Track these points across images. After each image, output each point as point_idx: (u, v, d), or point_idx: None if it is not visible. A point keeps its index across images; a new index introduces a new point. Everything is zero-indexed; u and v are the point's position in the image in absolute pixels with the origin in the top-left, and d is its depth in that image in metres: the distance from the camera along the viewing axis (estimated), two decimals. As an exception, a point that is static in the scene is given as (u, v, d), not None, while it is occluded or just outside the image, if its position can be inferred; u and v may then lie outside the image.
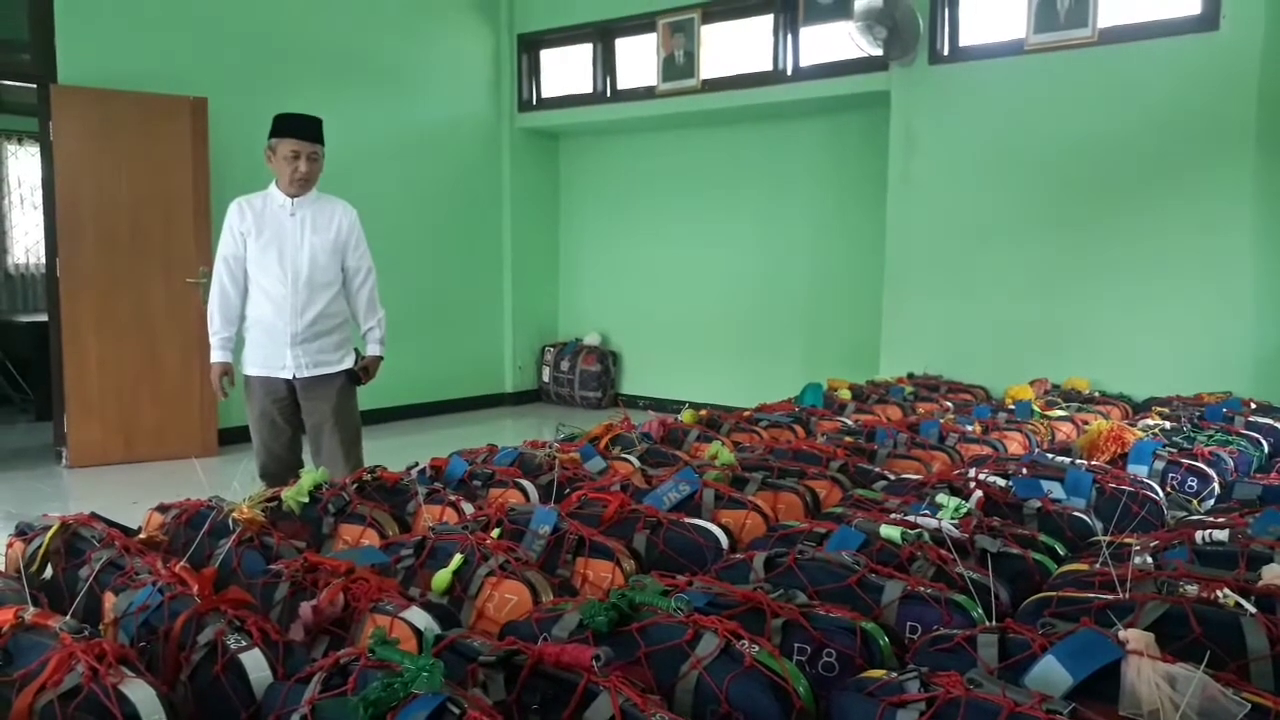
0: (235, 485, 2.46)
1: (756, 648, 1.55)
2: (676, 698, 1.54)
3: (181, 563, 1.86)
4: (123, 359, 5.98)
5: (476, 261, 8.29)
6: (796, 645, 1.69)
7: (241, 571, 2.12)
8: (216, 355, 3.69)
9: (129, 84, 5.88)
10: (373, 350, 3.87)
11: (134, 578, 1.90)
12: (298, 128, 3.59)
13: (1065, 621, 1.66)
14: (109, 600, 1.90)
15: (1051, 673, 1.49)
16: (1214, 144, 5.08)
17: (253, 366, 3.72)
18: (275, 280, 3.62)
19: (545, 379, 8.69)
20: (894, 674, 1.49)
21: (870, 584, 1.92)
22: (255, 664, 1.56)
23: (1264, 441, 3.74)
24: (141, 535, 2.28)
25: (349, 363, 3.80)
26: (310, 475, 2.63)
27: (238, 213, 3.64)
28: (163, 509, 2.53)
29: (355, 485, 2.72)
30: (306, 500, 2.57)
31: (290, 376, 3.69)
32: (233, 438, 6.28)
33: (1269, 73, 4.92)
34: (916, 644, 1.71)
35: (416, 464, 3.07)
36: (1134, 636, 1.48)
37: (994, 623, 1.68)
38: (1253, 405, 4.49)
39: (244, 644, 1.59)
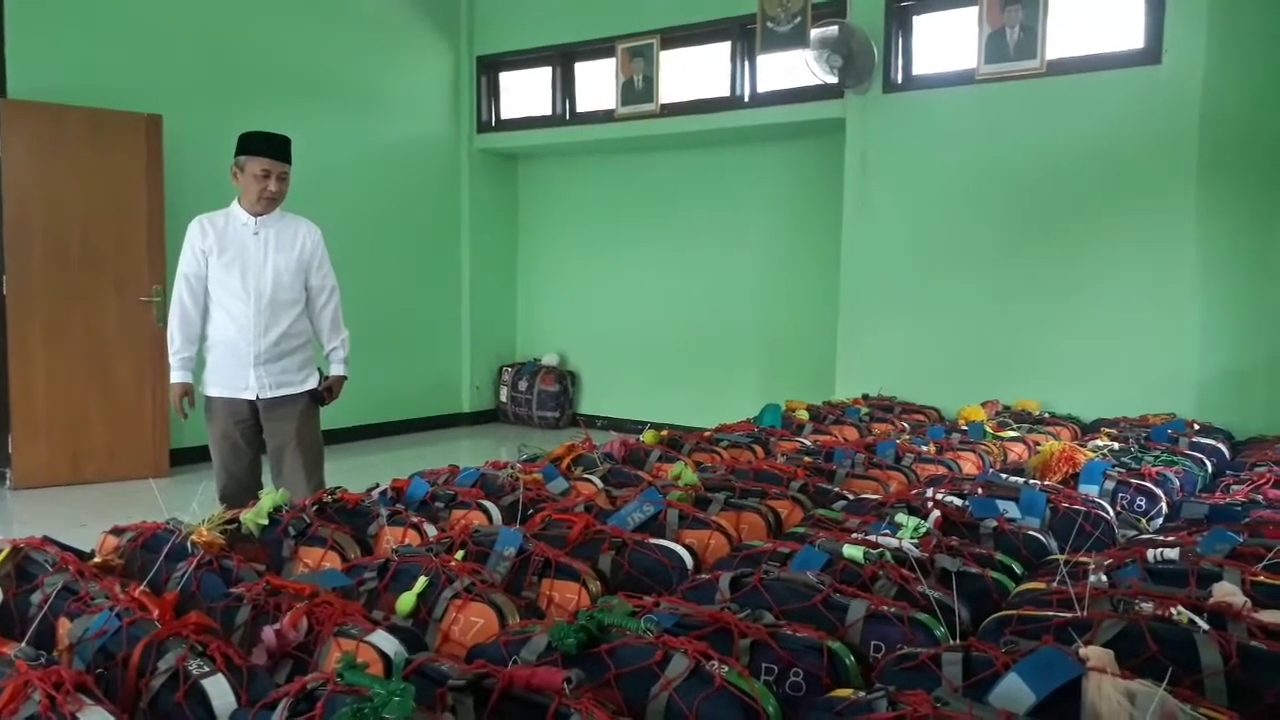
0: (194, 507, 2.41)
1: (726, 668, 1.56)
2: (647, 719, 1.54)
3: (141, 587, 1.83)
4: (71, 378, 5.86)
5: (434, 281, 8.26)
6: (764, 665, 1.70)
7: (201, 595, 2.08)
8: (176, 375, 3.62)
9: (82, 99, 5.79)
10: (336, 370, 3.84)
11: (90, 603, 1.86)
12: (269, 146, 3.57)
13: (1025, 639, 1.70)
14: (63, 626, 1.85)
15: (1015, 690, 1.52)
16: (1158, 173, 5.23)
17: (215, 387, 3.66)
18: (238, 299, 3.58)
19: (503, 399, 8.66)
20: (862, 693, 1.50)
21: (835, 603, 1.94)
22: (219, 690, 1.53)
23: (1207, 461, 3.85)
24: (96, 559, 2.23)
25: (313, 383, 3.77)
26: (270, 497, 2.59)
27: (199, 231, 3.60)
28: (117, 531, 2.47)
29: (315, 507, 2.68)
30: (266, 523, 2.53)
31: (253, 397, 3.63)
32: (185, 458, 6.18)
33: (1209, 105, 5.09)
34: (881, 663, 1.73)
35: (377, 485, 3.05)
36: (1094, 654, 1.52)
37: (957, 641, 1.71)
38: (1196, 426, 4.63)
39: (207, 670, 1.56)
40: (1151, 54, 5.22)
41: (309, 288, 3.73)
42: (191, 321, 3.61)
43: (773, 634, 1.75)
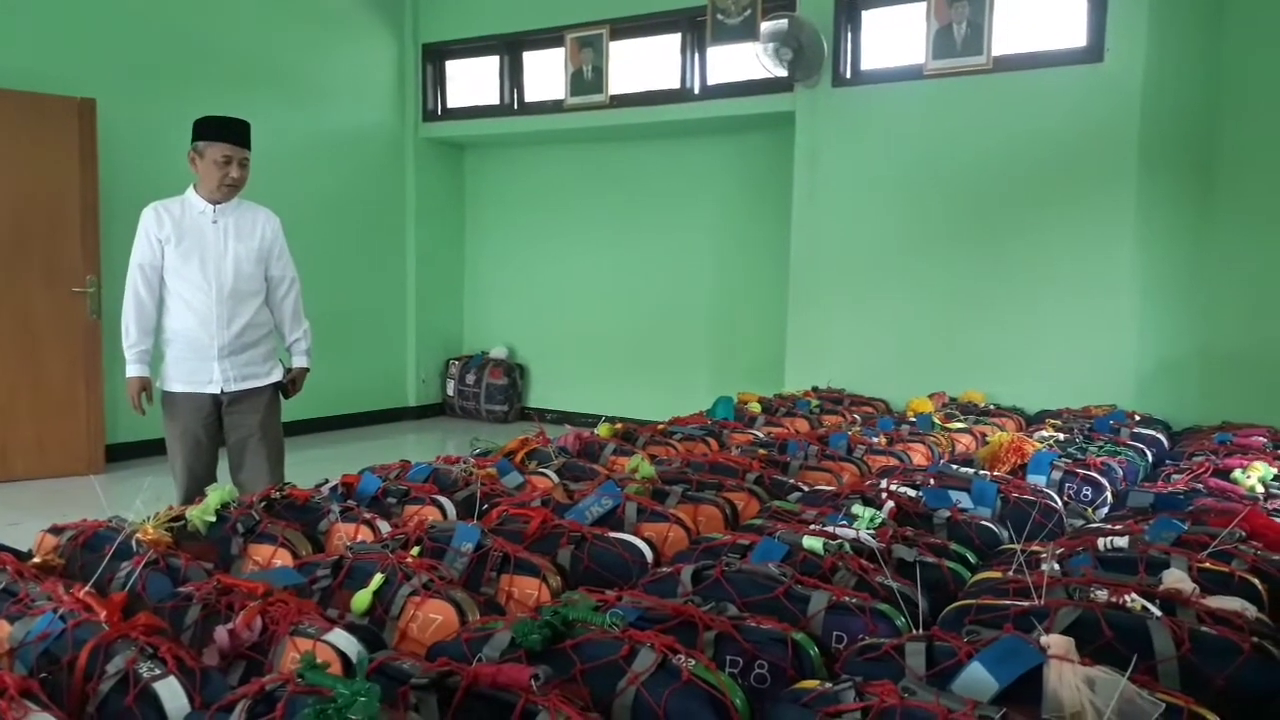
0: (138, 504, 2.34)
1: (693, 662, 1.55)
2: (614, 714, 1.53)
3: (87, 588, 1.76)
4: (0, 371, 5.66)
5: (379, 273, 8.12)
6: (729, 658, 1.70)
7: (147, 595, 2.02)
8: (134, 369, 3.48)
9: (11, 82, 5.58)
10: (299, 362, 3.78)
11: (30, 604, 1.79)
12: (230, 132, 3.47)
13: (985, 628, 1.71)
14: (3, 629, 1.78)
15: (977, 679, 1.53)
16: (1100, 169, 5.34)
17: (177, 383, 3.54)
18: (198, 291, 3.48)
19: (450, 393, 8.57)
20: (828, 684, 1.50)
21: (796, 595, 1.95)
22: (171, 693, 1.48)
23: (1148, 451, 3.94)
24: (35, 559, 2.15)
25: (278, 375, 3.70)
26: (217, 493, 2.52)
27: (154, 218, 3.47)
28: (56, 530, 2.39)
29: (263, 503, 2.62)
30: (213, 520, 2.46)
31: (218, 391, 3.54)
32: (122, 454, 6.01)
33: (1149, 104, 5.21)
34: (845, 653, 1.74)
35: (327, 480, 2.99)
36: (1055, 642, 1.54)
37: (920, 631, 1.72)
38: (1137, 417, 4.74)
39: (158, 672, 1.51)
40: (1094, 52, 5.32)
41: (269, 278, 3.65)
42: (147, 313, 3.49)
43: (737, 626, 1.75)
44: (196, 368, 3.52)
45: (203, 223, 3.51)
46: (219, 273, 3.49)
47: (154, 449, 6.11)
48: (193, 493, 3.51)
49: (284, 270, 3.69)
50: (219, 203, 3.52)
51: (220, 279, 3.50)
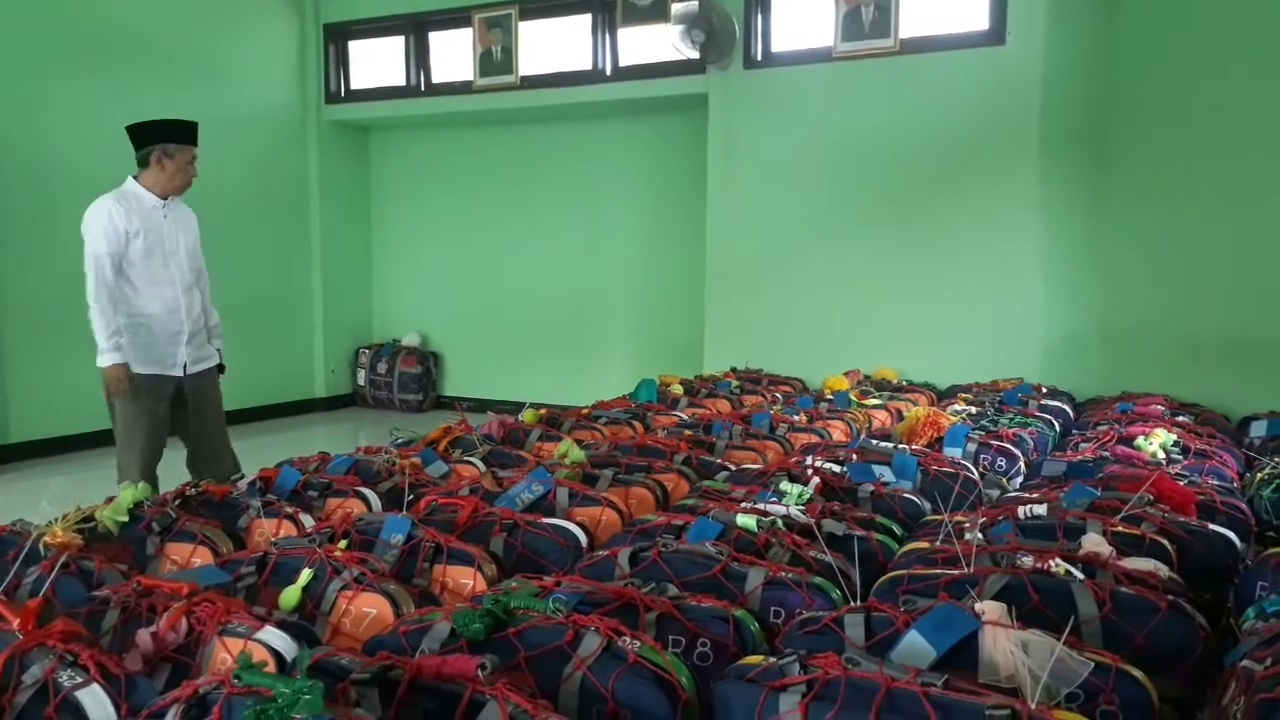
0: (44, 505, 2.22)
1: (638, 644, 1.55)
2: (561, 700, 1.51)
3: (-4, 595, 1.67)
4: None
5: (282, 260, 7.83)
6: (671, 638, 1.70)
7: (58, 601, 1.92)
8: (116, 357, 3.53)
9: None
10: (218, 344, 3.98)
11: (-68, 616, 1.68)
12: (193, 135, 3.68)
13: (919, 597, 1.75)
14: (-98, 642, 1.67)
15: (916, 647, 1.57)
16: (1005, 150, 5.50)
17: (141, 366, 3.63)
18: (164, 281, 3.66)
19: (361, 382, 8.37)
20: (773, 659, 1.52)
21: (733, 572, 1.96)
22: (95, 702, 1.41)
23: (1055, 422, 4.09)
24: (-68, 568, 2.02)
25: (218, 357, 3.93)
26: (129, 491, 2.41)
27: (121, 211, 3.55)
28: (-48, 537, 2.25)
29: (178, 501, 2.52)
30: (126, 519, 2.36)
31: (181, 373, 3.71)
32: (10, 456, 5.71)
33: (1049, 85, 5.37)
34: (785, 628, 1.76)
35: (243, 475, 2.89)
36: (989, 608, 1.58)
37: (857, 603, 1.75)
38: (1043, 389, 4.92)
39: (79, 680, 1.43)
40: (996, 34, 5.46)
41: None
42: (117, 301, 3.57)
43: (678, 606, 1.75)
44: (165, 352, 3.68)
45: (156, 216, 3.66)
46: (178, 264, 3.70)
47: (42, 450, 5.85)
48: (152, 468, 3.64)
49: (201, 263, 3.88)
50: (167, 199, 3.67)
51: (180, 269, 3.71)
